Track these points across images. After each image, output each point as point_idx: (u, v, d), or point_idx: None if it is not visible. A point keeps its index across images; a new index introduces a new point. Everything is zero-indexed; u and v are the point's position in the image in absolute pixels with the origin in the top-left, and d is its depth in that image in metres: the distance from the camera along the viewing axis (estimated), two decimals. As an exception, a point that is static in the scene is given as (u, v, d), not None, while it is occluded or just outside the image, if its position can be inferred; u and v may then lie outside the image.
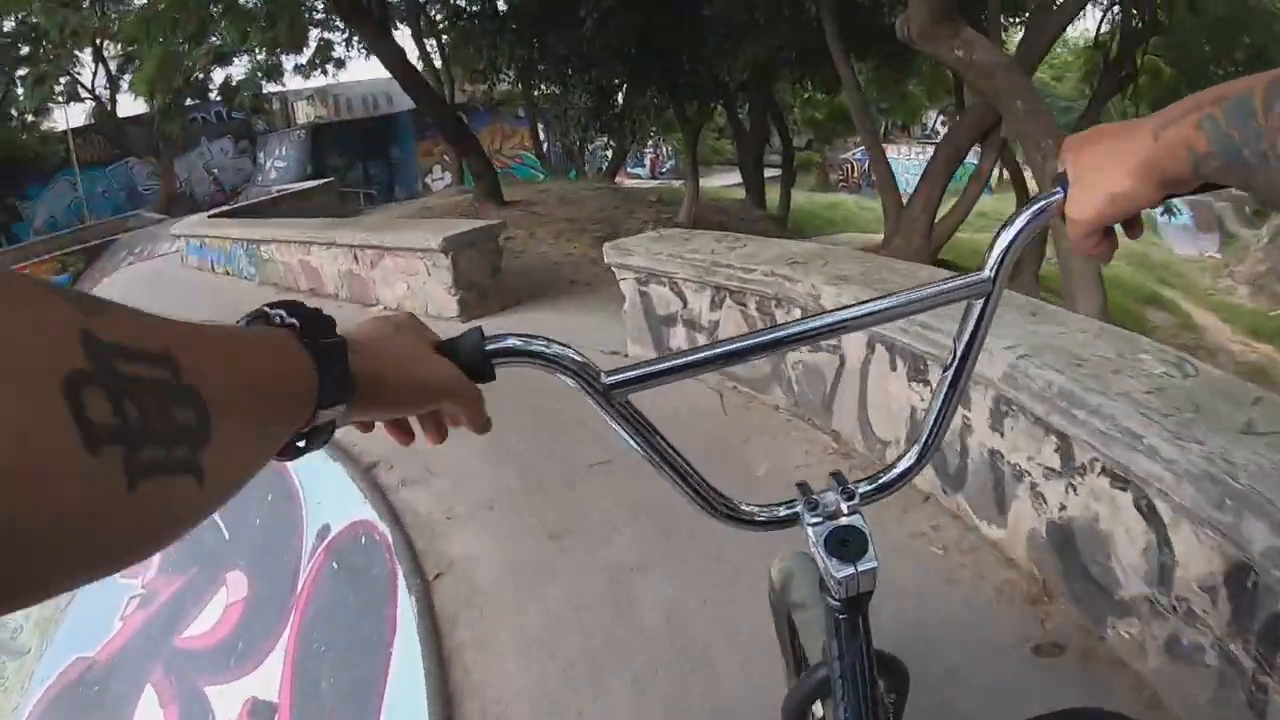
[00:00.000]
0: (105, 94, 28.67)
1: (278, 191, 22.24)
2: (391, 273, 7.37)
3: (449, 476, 4.10)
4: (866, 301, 0.97)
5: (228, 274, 11.37)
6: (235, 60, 26.45)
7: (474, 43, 12.60)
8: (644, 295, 5.04)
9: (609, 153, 23.36)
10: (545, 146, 25.58)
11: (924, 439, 1.03)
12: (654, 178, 33.10)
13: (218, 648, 3.81)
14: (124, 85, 27.42)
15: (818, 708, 1.30)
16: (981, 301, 0.98)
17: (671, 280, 4.78)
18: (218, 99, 28.50)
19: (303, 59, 26.07)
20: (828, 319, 0.97)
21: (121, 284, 14.91)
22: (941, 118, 29.66)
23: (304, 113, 33.67)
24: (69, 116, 29.14)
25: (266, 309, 0.68)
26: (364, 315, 7.25)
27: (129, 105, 28.74)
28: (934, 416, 1.02)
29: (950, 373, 1.01)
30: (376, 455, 4.38)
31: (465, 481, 4.04)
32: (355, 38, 22.02)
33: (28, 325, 0.38)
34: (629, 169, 30.33)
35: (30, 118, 27.84)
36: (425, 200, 19.12)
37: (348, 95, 33.64)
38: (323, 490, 4.25)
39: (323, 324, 0.68)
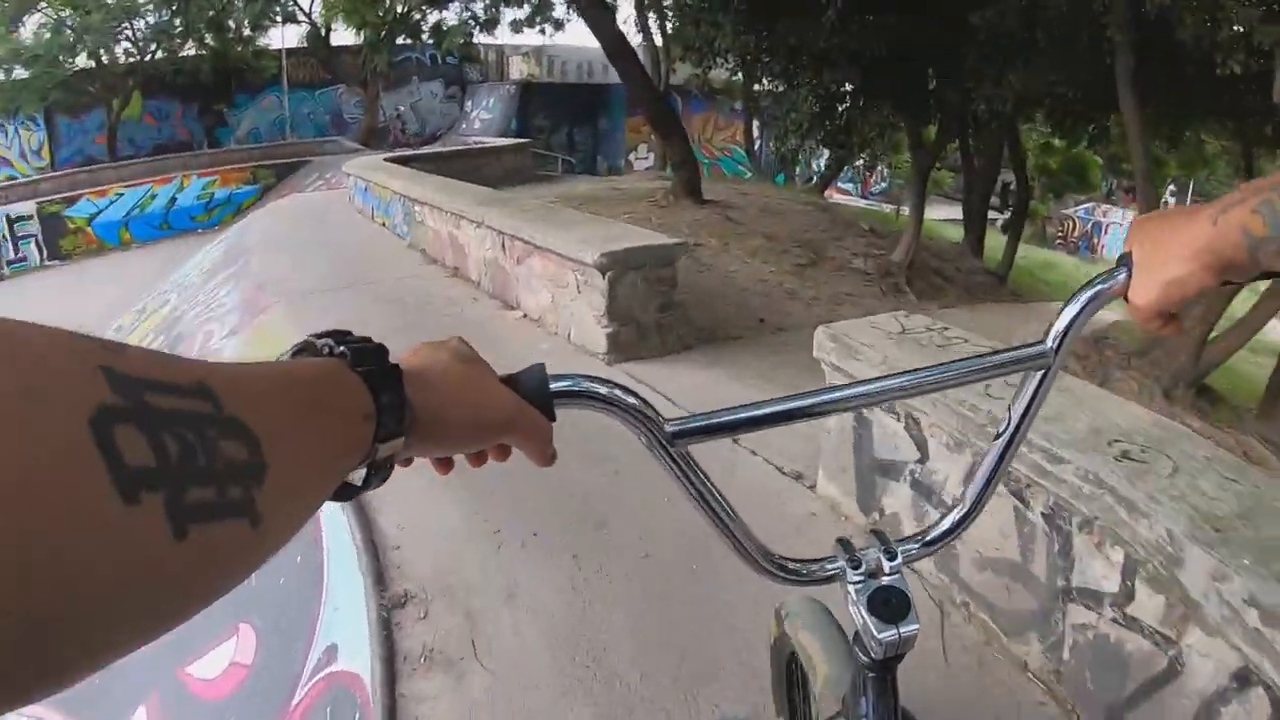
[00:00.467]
0: (320, 19, 29.23)
1: (475, 143, 21.74)
2: (538, 276, 6.02)
3: (501, 669, 2.62)
4: (927, 368, 0.97)
5: (384, 226, 10.58)
6: (450, 6, 26.49)
7: (694, 20, 11.15)
8: (861, 423, 3.23)
9: (824, 163, 21.61)
10: (757, 145, 24.11)
11: (970, 501, 1.03)
12: (864, 198, 31.61)
13: (212, 707, 3.39)
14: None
15: None
16: (1040, 373, 0.99)
17: (910, 416, 2.97)
18: (429, 40, 28.40)
19: (521, 13, 25.77)
20: (894, 382, 0.97)
21: (288, 209, 14.42)
22: (1172, 187, 26.56)
23: (518, 69, 33.58)
24: (284, 36, 29.82)
25: (313, 339, 0.64)
26: (503, 318, 6.40)
27: (344, 35, 29.44)
28: (982, 481, 1.03)
29: (1002, 440, 1.02)
30: (415, 580, 3.08)
31: (523, 688, 2.56)
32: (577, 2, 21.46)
33: (43, 363, 0.35)
34: (839, 184, 28.68)
35: (246, 32, 28.32)
36: (619, 180, 17.84)
37: (564, 58, 33.36)
38: (341, 595, 3.32)
39: (375, 354, 0.63)
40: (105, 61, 27.41)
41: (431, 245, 8.46)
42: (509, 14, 26.97)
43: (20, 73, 26.44)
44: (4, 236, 22.08)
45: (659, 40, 19.64)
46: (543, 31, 27.06)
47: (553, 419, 0.81)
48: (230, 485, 0.40)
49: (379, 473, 0.65)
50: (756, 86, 17.50)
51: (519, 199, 7.11)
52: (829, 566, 0.99)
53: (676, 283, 5.45)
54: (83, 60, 27.15)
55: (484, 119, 29.52)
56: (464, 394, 0.73)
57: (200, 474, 0.38)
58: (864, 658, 0.99)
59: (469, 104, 31.54)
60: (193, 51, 28.41)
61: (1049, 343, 0.97)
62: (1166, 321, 0.93)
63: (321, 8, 26.87)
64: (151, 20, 27.51)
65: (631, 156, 30.57)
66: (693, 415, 0.90)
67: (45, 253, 22.48)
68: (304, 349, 0.64)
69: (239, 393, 0.44)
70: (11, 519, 0.30)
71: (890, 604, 0.94)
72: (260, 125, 30.61)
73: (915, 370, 0.97)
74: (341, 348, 0.62)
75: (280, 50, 29.65)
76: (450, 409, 0.71)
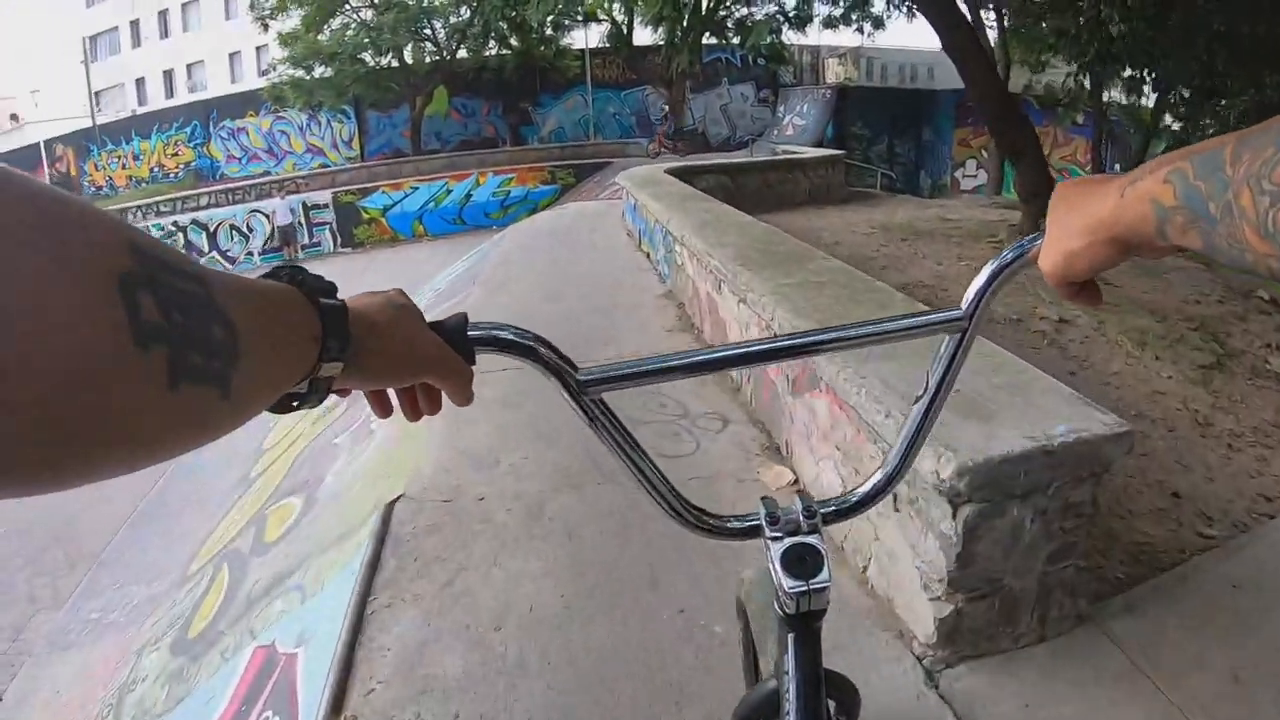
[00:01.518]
0: (623, 19, 28.71)
1: (782, 152, 19.80)
2: (822, 430, 3.28)
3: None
4: (841, 326, 0.98)
5: (647, 258, 8.51)
6: (757, 2, 24.77)
7: (1049, 17, 8.44)
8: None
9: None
10: (1105, 167, 20.43)
11: (891, 467, 1.05)
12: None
13: None
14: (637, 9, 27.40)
15: None
16: (956, 338, 0.99)
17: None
18: (736, 38, 27.13)
19: (836, 9, 23.57)
20: (803, 340, 0.98)
21: (546, 223, 12.97)
22: None
23: (834, 72, 31.54)
24: (587, 36, 30.17)
25: (277, 268, 0.70)
26: (756, 479, 3.98)
27: (647, 34, 28.93)
28: (902, 446, 1.04)
29: (921, 405, 1.02)
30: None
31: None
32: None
33: (82, 229, 0.41)
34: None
35: (548, 31, 28.19)
36: (947, 205, 14.92)
37: (883, 60, 31.09)
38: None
39: (326, 289, 0.70)
40: (410, 60, 27.88)
41: (689, 301, 6.18)
42: (822, 10, 24.80)
43: (321, 70, 27.64)
44: (300, 222, 23.00)
45: (991, 39, 16.83)
46: (860, 30, 24.85)
47: (472, 363, 0.85)
48: (214, 358, 0.48)
49: (317, 392, 0.71)
50: (1106, 96, 14.67)
51: (812, 258, 4.65)
52: (749, 521, 1.02)
53: (1097, 510, 2.56)
54: (383, 58, 28.24)
55: (797, 125, 27.29)
56: (396, 332, 0.80)
57: (195, 341, 0.46)
58: (784, 614, 1.00)
59: (781, 109, 29.55)
60: (496, 51, 28.79)
61: (964, 307, 0.97)
62: (1077, 291, 0.90)
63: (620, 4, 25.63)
64: (451, 20, 28.29)
65: (958, 173, 27.35)
66: (605, 364, 0.92)
67: (339, 240, 23.39)
68: (270, 275, 0.68)
69: (226, 291, 0.52)
70: (55, 343, 0.38)
71: (804, 561, 0.95)
72: (565, 125, 30.49)
73: (830, 327, 0.97)
74: (300, 278, 0.68)
75: (583, 49, 29.66)
76: (384, 343, 0.78)
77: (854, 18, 24.09)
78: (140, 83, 43.73)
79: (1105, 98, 15.86)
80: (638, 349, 5.50)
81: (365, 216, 23.37)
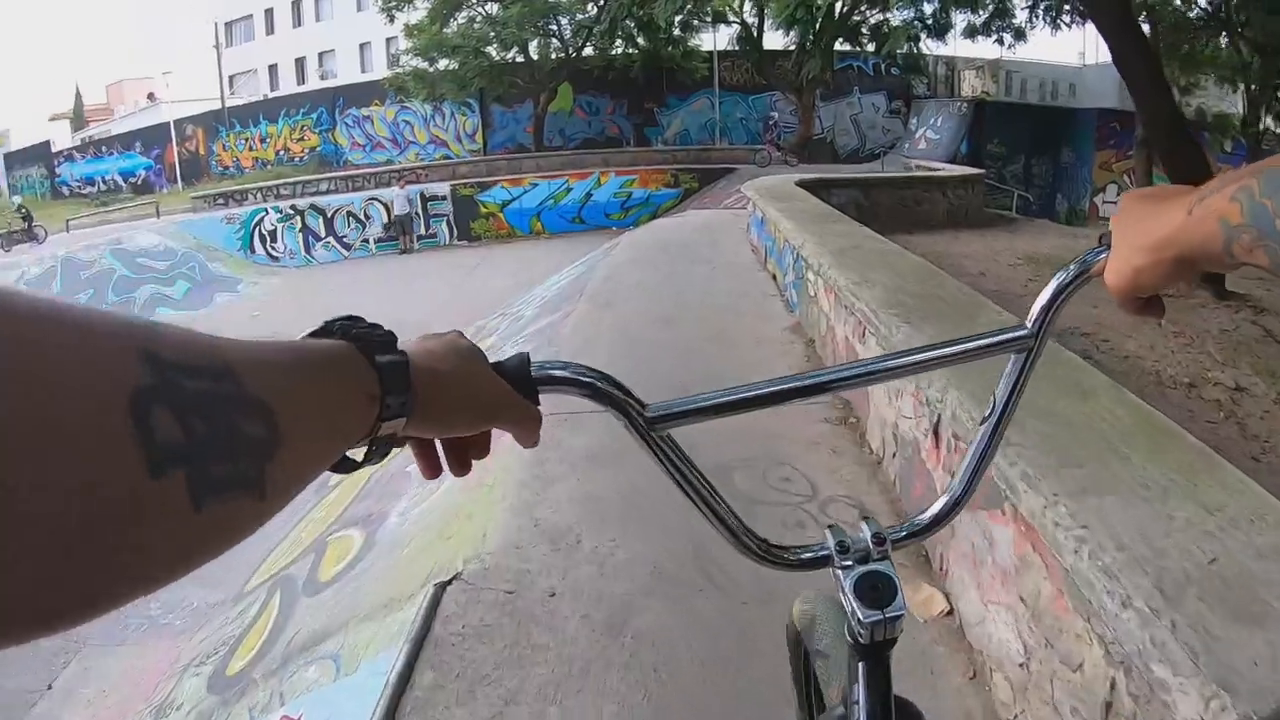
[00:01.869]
0: (753, 21, 27.74)
1: (916, 167, 18.82)
2: (1004, 575, 2.32)
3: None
4: (909, 352, 0.97)
5: (774, 280, 7.71)
6: (895, 7, 23.67)
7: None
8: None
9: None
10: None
11: (957, 491, 1.01)
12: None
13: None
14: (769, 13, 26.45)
15: None
16: (1024, 355, 0.97)
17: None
18: (870, 45, 26.30)
19: (976, 18, 22.38)
20: (872, 366, 0.97)
21: (663, 233, 12.32)
22: None
23: (970, 84, 30.30)
24: (715, 38, 29.24)
25: (328, 323, 0.66)
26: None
27: (777, 38, 27.57)
28: (970, 466, 1.00)
29: (988, 426, 0.99)
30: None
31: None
32: (1044, 5, 18.05)
33: (88, 345, 0.38)
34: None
35: (676, 32, 27.56)
36: (1093, 235, 13.81)
37: (1023, 74, 29.61)
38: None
39: (384, 339, 0.66)
40: (535, 56, 27.84)
41: (821, 340, 5.33)
42: (961, 18, 23.59)
43: (444, 63, 27.71)
44: (418, 213, 22.98)
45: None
46: (1000, 41, 23.72)
47: (537, 403, 0.81)
48: (245, 460, 0.44)
49: (379, 449, 0.67)
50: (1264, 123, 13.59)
51: (981, 309, 3.75)
52: (818, 551, 0.98)
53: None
54: (507, 53, 28.07)
55: (930, 139, 25.98)
56: (460, 380, 0.74)
57: (221, 449, 0.42)
58: (854, 643, 0.97)
59: (914, 121, 28.29)
60: (622, 50, 28.30)
61: (1030, 324, 0.95)
62: (1142, 306, 0.87)
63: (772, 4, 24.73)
64: (578, 16, 27.89)
65: (1098, 199, 25.80)
66: (674, 400, 0.89)
67: (455, 232, 23.25)
68: (319, 332, 0.64)
69: (261, 372, 0.48)
70: (60, 475, 0.34)
71: (876, 589, 0.92)
72: (690, 127, 29.93)
73: (895, 354, 0.96)
74: (354, 331, 0.64)
75: (711, 51, 28.97)
76: (448, 392, 0.72)
77: (994, 27, 22.90)
78: (273, 69, 44.69)
79: (1261, 125, 14.61)
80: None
81: (483, 211, 23.16)
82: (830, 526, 0.98)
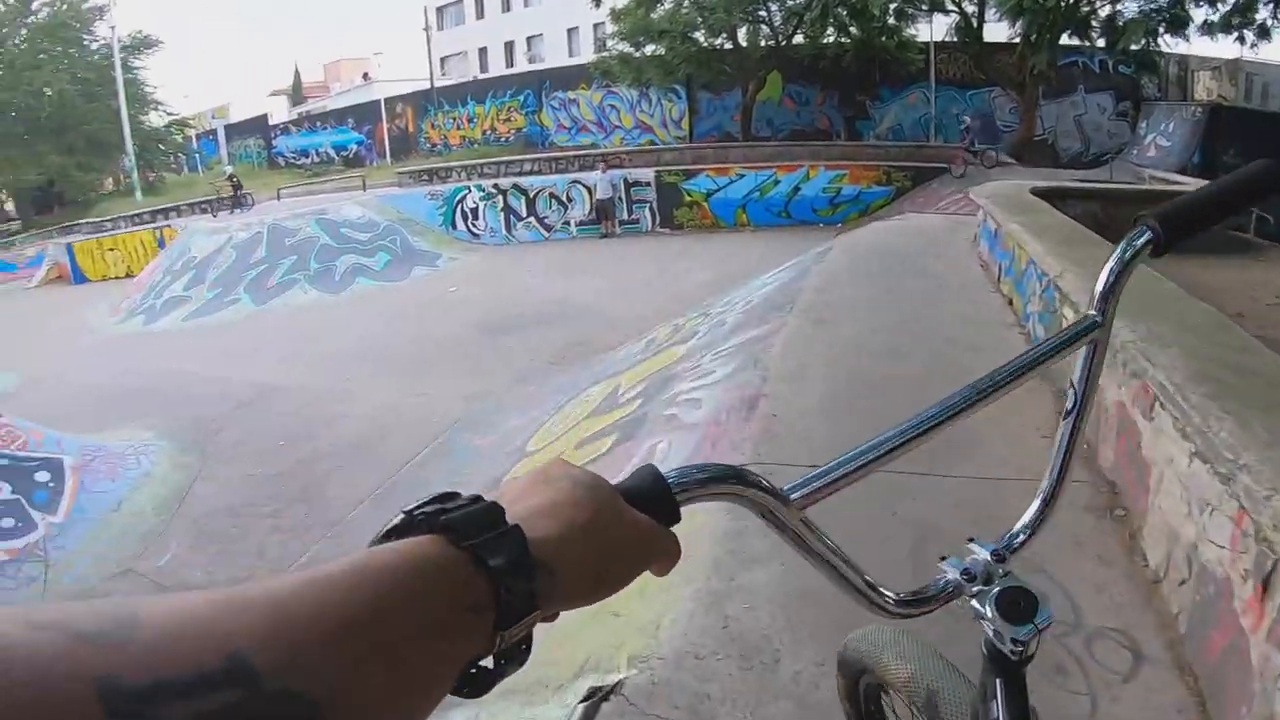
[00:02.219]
0: (973, 11, 25.93)
1: (1149, 178, 17.21)
2: None
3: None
4: (994, 374, 0.94)
5: (1009, 305, 6.80)
6: None
7: None
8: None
9: None
10: None
11: (1047, 491, 1.01)
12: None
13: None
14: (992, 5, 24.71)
15: None
16: (1092, 345, 0.97)
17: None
18: (1100, 40, 24.18)
19: (1214, 13, 20.34)
20: (963, 395, 0.92)
21: (881, 237, 11.49)
22: None
23: (1204, 87, 27.84)
24: (933, 28, 27.51)
25: (408, 514, 0.52)
26: None
27: (998, 29, 25.78)
28: (1059, 461, 1.00)
29: (1070, 421, 0.99)
30: None
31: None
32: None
33: (40, 688, 0.32)
34: None
35: (891, 20, 26.20)
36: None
37: (1265, 78, 26.82)
38: None
39: (486, 517, 0.52)
40: (743, 43, 27.42)
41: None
42: (1199, 12, 21.67)
43: (650, 48, 27.34)
44: (621, 198, 22.69)
45: None
46: (1241, 40, 21.38)
47: (677, 519, 0.69)
48: None
49: (512, 660, 0.53)
50: None
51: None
52: (946, 584, 0.95)
53: None
54: (715, 39, 27.46)
55: (1161, 146, 23.77)
56: (597, 533, 0.58)
57: None
58: (994, 662, 0.95)
59: (1143, 125, 25.92)
60: (834, 38, 27.05)
61: (1093, 312, 0.96)
62: None
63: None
64: (788, 3, 26.91)
65: (1351, 219, 23.13)
66: (805, 478, 0.84)
67: (658, 219, 22.74)
68: (405, 524, 0.51)
69: (287, 649, 0.39)
70: None
71: (1020, 605, 0.90)
72: (903, 122, 28.71)
73: (974, 384, 0.93)
74: (445, 519, 0.51)
75: (928, 43, 27.39)
76: (584, 562, 0.57)
77: (1235, 24, 20.72)
78: (483, 52, 46.56)
79: None
80: (1006, 458, 3.84)
81: (687, 199, 22.55)
82: (943, 558, 0.95)
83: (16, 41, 37.08)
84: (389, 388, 11.29)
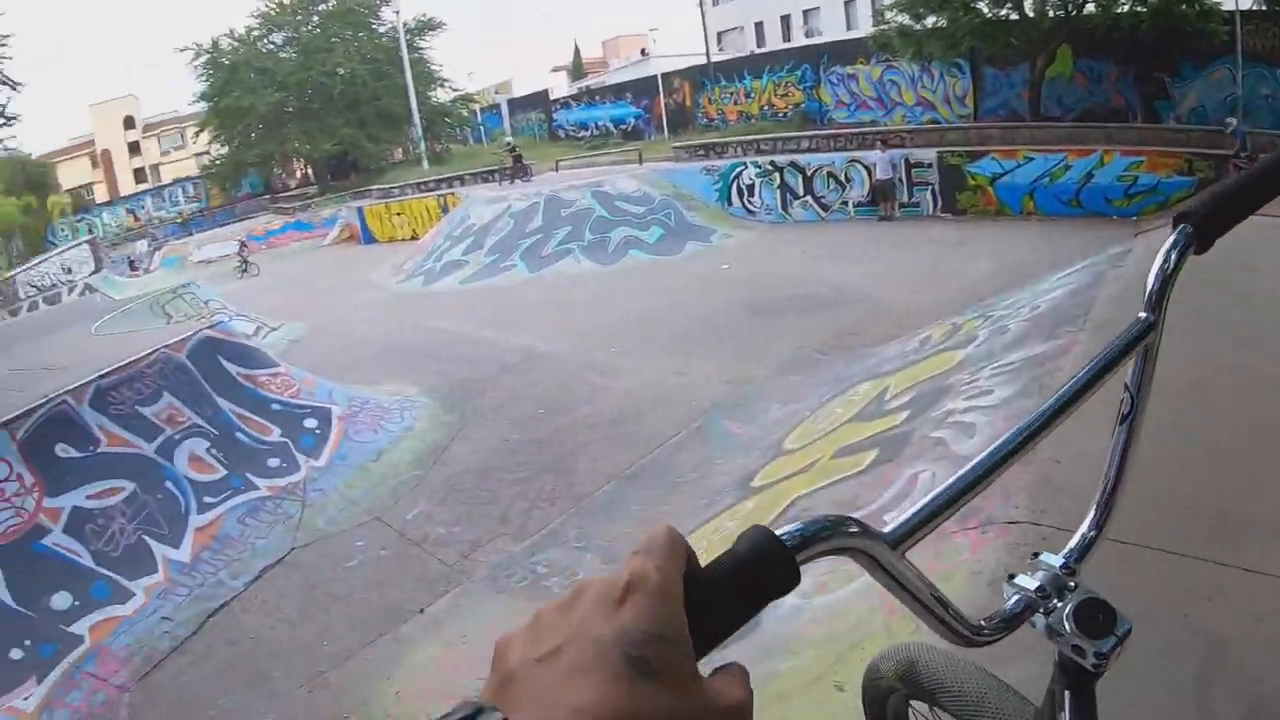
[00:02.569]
0: None
1: None
2: None
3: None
4: (1059, 397, 0.92)
5: None
6: None
7: None
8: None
9: None
10: None
11: (1105, 494, 0.99)
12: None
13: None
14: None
15: None
16: (1145, 347, 0.97)
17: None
18: None
19: None
20: (1037, 415, 0.90)
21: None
22: None
23: None
24: None
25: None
26: None
27: None
28: (1113, 469, 0.99)
29: (1126, 424, 0.99)
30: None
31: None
32: None
33: None
34: None
35: None
36: None
37: None
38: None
39: None
40: (1030, 13, 25.29)
41: None
42: None
43: (932, 19, 25.95)
44: (901, 179, 21.84)
45: None
46: None
47: (797, 582, 0.65)
48: None
49: None
50: None
51: None
52: (1020, 603, 0.92)
53: None
54: (1000, 9, 25.53)
55: None
56: None
57: None
58: (1071, 678, 0.93)
59: None
60: (1128, 7, 24.47)
61: (1144, 313, 0.96)
62: None
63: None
64: None
65: None
66: (905, 518, 0.80)
67: (939, 203, 21.70)
68: None
69: None
70: None
71: (1099, 617, 0.88)
72: (1206, 103, 25.63)
73: (1047, 404, 0.91)
74: None
75: (1233, 11, 23.98)
76: None
77: None
78: (759, 26, 46.58)
79: None
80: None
81: (971, 182, 21.24)
82: (1009, 580, 0.93)
83: (310, 28, 41.50)
84: (652, 364, 11.26)
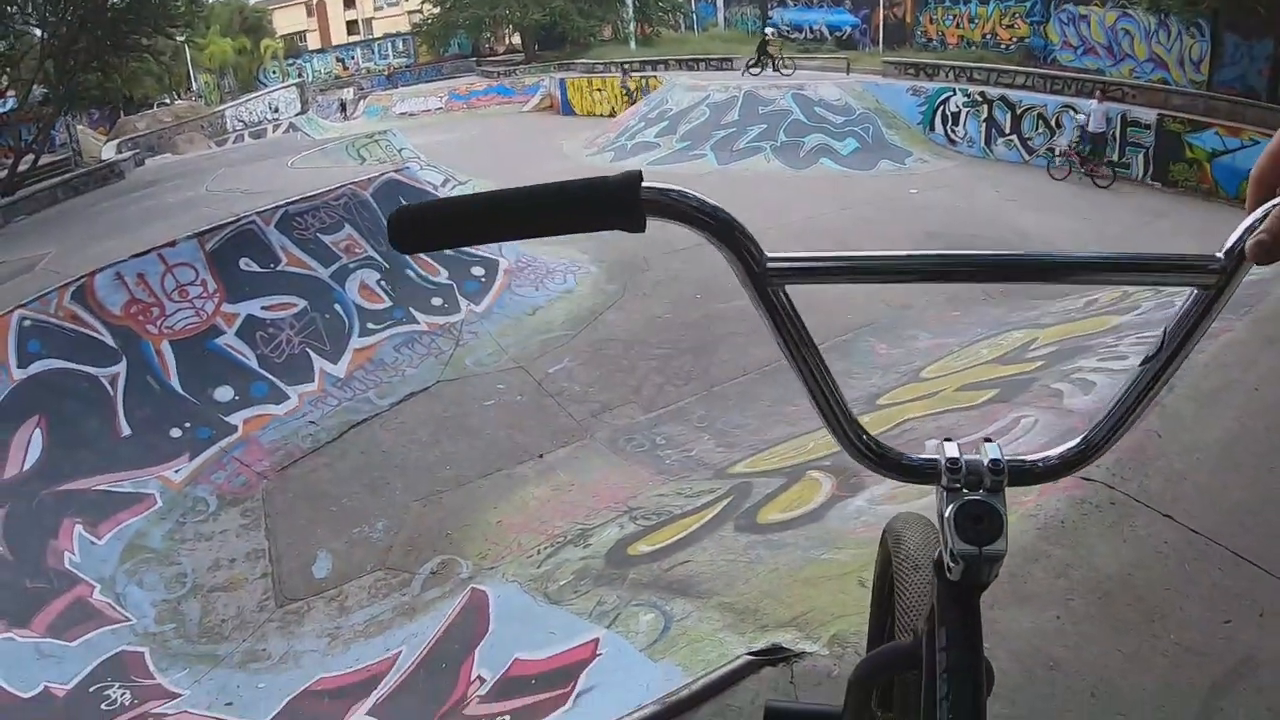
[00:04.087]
0: None
1: None
2: None
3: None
4: (1077, 256, 0.83)
5: None
6: None
7: None
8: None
9: None
10: None
11: (1096, 433, 0.88)
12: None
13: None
14: None
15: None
16: (1205, 294, 0.81)
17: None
18: None
19: None
20: (1028, 259, 0.82)
21: None
22: None
23: None
24: None
25: None
26: None
27: None
28: (1117, 412, 0.87)
29: (1150, 369, 0.85)
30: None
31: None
32: None
33: None
34: None
35: None
36: None
37: None
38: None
39: None
40: None
41: None
42: None
43: None
44: (1114, 135, 20.53)
45: None
46: None
47: (641, 228, 0.76)
48: None
49: None
50: None
51: None
52: (925, 462, 0.86)
53: None
54: None
55: None
56: None
57: None
58: (943, 580, 0.85)
59: None
60: None
61: (1219, 254, 0.79)
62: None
63: None
64: None
65: None
66: (797, 254, 0.81)
67: (1150, 169, 20.20)
68: None
69: None
70: None
71: (980, 521, 0.80)
72: None
73: (1063, 254, 0.82)
74: None
75: None
76: None
77: None
78: None
79: None
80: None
81: (1189, 154, 19.72)
82: (946, 439, 0.85)
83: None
84: (817, 272, 11.19)
